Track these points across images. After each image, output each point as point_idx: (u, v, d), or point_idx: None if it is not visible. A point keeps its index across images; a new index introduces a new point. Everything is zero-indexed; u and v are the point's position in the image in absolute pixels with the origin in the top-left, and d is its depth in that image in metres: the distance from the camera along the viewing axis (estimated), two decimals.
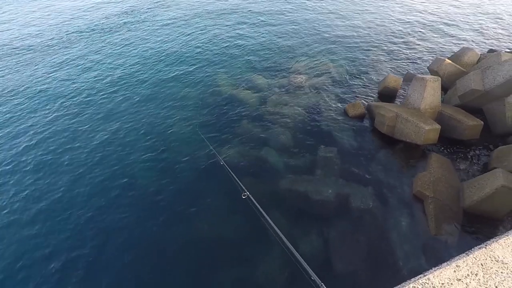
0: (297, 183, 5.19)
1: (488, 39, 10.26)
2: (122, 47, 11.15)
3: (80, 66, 9.93)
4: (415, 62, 8.94)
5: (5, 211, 5.22)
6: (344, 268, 3.98)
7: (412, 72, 8.37)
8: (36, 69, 9.92)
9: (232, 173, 4.40)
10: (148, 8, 15.34)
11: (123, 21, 13.78)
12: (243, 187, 3.79)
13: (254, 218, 4.19)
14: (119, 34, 12.32)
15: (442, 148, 5.83)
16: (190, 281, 3.99)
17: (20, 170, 6.05)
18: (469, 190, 4.61)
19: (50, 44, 11.72)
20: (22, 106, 8.04)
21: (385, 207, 4.76)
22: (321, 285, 2.12)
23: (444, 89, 6.98)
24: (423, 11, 13.09)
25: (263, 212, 3.21)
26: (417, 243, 4.23)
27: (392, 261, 4.05)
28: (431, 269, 2.04)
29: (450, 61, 7.28)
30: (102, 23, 13.66)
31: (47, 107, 7.93)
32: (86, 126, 7.08)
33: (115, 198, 5.26)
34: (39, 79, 9.29)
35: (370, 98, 7.52)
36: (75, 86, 8.79)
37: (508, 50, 8.34)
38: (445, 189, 4.82)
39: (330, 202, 4.87)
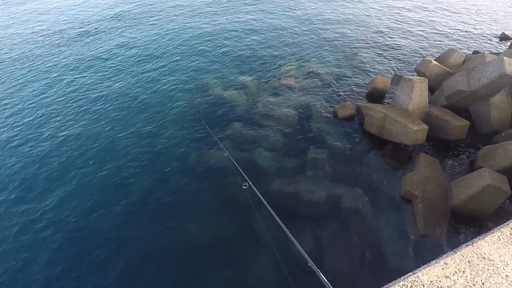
0: (288, 184, 5.20)
1: (472, 41, 10.50)
2: (107, 54, 11.02)
3: (69, 70, 9.77)
4: (403, 64, 9.09)
5: None
6: (335, 267, 3.99)
7: (399, 73, 8.50)
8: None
9: (234, 162, 4.43)
10: (135, 14, 15.23)
11: (106, 26, 13.63)
12: (245, 177, 3.79)
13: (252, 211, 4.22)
14: (98, 40, 12.18)
15: (430, 148, 5.92)
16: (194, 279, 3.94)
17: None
18: (457, 189, 4.69)
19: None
20: None
21: (375, 207, 4.80)
22: (318, 271, 2.17)
23: (431, 90, 7.10)
24: (409, 14, 13.33)
25: (264, 201, 3.24)
26: (406, 242, 4.28)
27: (382, 260, 4.08)
28: (420, 267, 2.06)
29: (436, 63, 7.41)
30: (81, 28, 13.50)
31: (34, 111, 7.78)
32: (77, 131, 6.96)
33: (110, 197, 5.18)
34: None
35: (359, 99, 7.59)
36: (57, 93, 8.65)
37: (492, 52, 8.54)
38: (433, 188, 4.89)
39: (321, 203, 4.89)
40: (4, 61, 10.64)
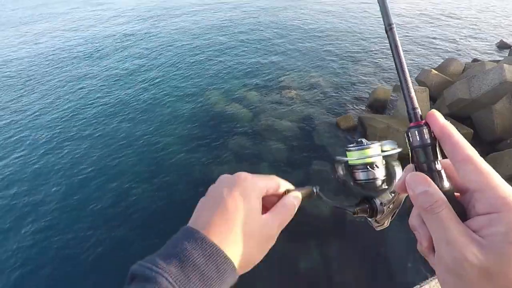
0: (302, 201, 5.16)
1: (470, 50, 10.59)
2: (108, 69, 11.25)
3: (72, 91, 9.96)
4: None
5: None
6: (342, 282, 3.93)
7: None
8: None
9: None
10: (133, 31, 15.59)
11: (106, 46, 13.95)
12: None
13: None
14: (101, 57, 12.44)
15: None
16: None
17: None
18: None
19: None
20: None
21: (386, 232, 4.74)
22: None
23: (433, 99, 7.12)
24: (406, 25, 13.52)
25: None
26: (415, 257, 4.21)
27: (390, 273, 4.01)
28: (428, 279, 2.04)
29: (436, 72, 7.47)
30: (82, 47, 13.81)
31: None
32: (76, 150, 7.04)
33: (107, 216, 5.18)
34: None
35: (361, 110, 7.63)
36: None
37: (491, 60, 8.60)
38: None
39: (326, 216, 4.85)
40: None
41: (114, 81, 10.26)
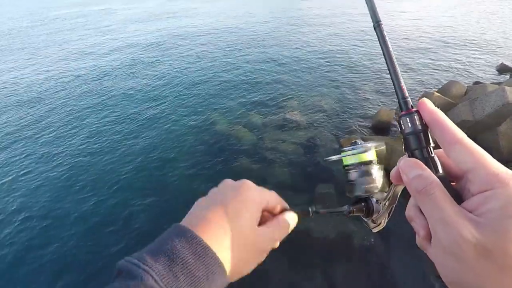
0: (298, 221, 5.08)
1: (472, 73, 10.70)
2: (113, 90, 11.49)
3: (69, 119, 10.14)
4: None
5: None
6: None
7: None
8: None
9: None
10: (135, 55, 16.04)
11: (109, 75, 14.32)
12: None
13: None
14: (101, 81, 12.74)
15: None
16: None
17: None
18: None
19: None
20: None
21: (387, 244, 4.64)
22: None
23: None
24: (407, 47, 13.78)
25: None
26: (422, 284, 4.07)
27: None
28: None
29: (439, 94, 7.52)
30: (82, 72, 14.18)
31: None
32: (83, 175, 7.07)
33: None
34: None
35: (364, 131, 7.64)
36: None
37: (493, 82, 8.66)
38: None
39: (331, 239, 4.75)
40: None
41: (118, 101, 10.45)
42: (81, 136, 8.52)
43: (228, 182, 0.57)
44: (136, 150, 7.61)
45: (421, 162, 0.41)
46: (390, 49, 0.48)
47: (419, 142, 0.43)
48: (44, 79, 13.46)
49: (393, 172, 0.46)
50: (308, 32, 17.61)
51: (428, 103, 0.43)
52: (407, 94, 0.46)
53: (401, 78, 0.47)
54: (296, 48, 15.02)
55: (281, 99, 9.65)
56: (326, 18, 20.84)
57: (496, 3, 21.24)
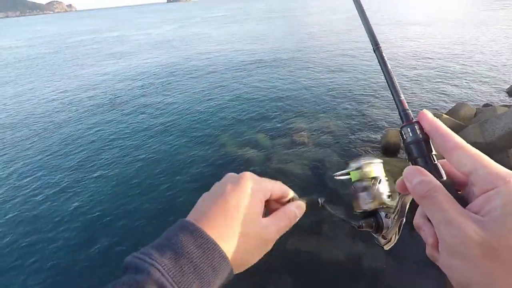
0: (306, 242, 5.01)
1: (481, 95, 10.68)
2: (123, 115, 11.76)
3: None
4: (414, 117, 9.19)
5: None
6: None
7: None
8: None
9: None
10: (145, 84, 16.50)
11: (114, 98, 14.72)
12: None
13: None
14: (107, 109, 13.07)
15: None
16: None
17: None
18: None
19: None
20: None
21: (398, 267, 4.49)
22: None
23: None
24: (415, 70, 13.89)
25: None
26: None
27: None
28: None
29: (448, 116, 7.50)
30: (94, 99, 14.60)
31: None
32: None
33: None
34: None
35: (373, 152, 7.60)
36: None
37: (502, 104, 8.62)
38: None
39: (341, 262, 4.63)
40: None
41: (130, 121, 10.68)
42: (96, 162, 8.68)
43: (229, 175, 0.57)
44: (142, 172, 7.69)
45: (423, 169, 0.41)
46: (389, 68, 0.51)
47: (420, 150, 0.44)
48: (59, 102, 13.92)
49: (398, 182, 0.46)
50: (315, 55, 17.98)
51: (427, 113, 0.45)
52: (407, 107, 0.48)
53: (400, 91, 0.49)
54: (304, 69, 15.29)
55: (288, 122, 9.74)
56: (332, 44, 21.33)
57: (506, 24, 21.48)
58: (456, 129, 7.17)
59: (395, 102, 0.49)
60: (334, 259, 4.68)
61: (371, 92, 11.60)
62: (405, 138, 0.46)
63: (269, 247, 0.54)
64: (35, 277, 4.96)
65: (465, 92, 11.00)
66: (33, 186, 7.52)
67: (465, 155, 0.39)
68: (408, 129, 0.46)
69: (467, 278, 0.34)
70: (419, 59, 15.63)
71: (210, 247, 0.43)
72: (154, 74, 17.21)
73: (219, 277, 0.43)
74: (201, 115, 10.91)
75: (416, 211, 0.46)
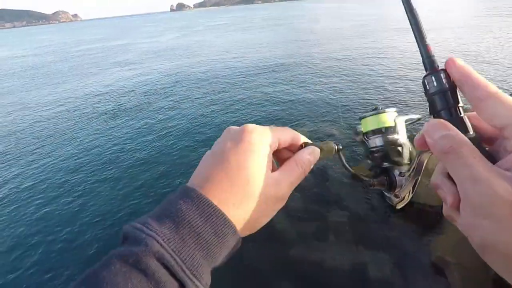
0: (310, 251, 4.96)
1: None
2: (126, 121, 11.83)
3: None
4: (416, 126, 9.16)
5: None
6: None
7: (413, 134, 8.53)
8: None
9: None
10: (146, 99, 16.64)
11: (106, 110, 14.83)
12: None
13: None
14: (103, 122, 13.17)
15: None
16: None
17: None
18: None
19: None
20: None
21: (404, 275, 4.43)
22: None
23: None
24: (413, 75, 13.88)
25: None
26: None
27: None
28: None
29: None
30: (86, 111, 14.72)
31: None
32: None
33: None
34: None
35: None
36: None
37: None
38: (468, 253, 4.51)
39: (346, 271, 4.57)
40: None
41: (135, 128, 10.75)
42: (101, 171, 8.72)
43: (228, 130, 0.52)
44: (149, 171, 7.70)
45: (448, 123, 0.37)
46: (413, 6, 0.45)
47: (445, 102, 0.39)
48: (65, 109, 14.06)
49: (417, 137, 0.42)
50: (318, 61, 18.06)
51: (457, 59, 0.40)
52: (432, 53, 0.42)
53: (425, 34, 0.43)
54: (307, 75, 15.35)
55: (293, 124, 9.70)
56: (336, 51, 21.42)
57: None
58: None
59: (419, 47, 0.43)
60: (338, 267, 4.62)
61: (372, 103, 11.59)
62: (428, 88, 0.42)
63: (282, 204, 0.50)
64: (35, 278, 4.95)
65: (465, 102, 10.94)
66: (39, 189, 7.57)
67: (500, 105, 0.35)
68: (433, 77, 0.41)
69: (494, 239, 0.32)
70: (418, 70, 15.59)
71: (213, 214, 0.39)
72: (158, 81, 17.37)
73: (225, 246, 0.40)
74: (204, 119, 10.96)
75: (435, 169, 0.43)
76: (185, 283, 0.35)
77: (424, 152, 0.47)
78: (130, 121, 11.78)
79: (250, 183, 0.43)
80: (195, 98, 13.75)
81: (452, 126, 0.37)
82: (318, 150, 0.54)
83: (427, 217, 5.53)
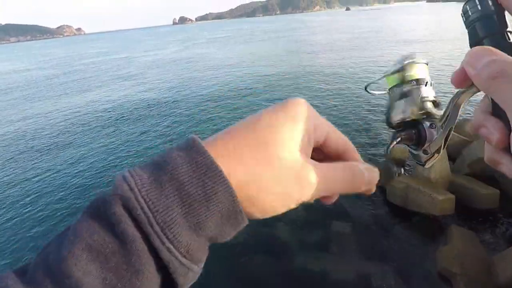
0: (313, 261, 4.91)
1: None
2: (129, 130, 11.90)
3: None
4: None
5: None
6: None
7: None
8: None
9: None
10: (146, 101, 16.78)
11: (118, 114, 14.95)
12: None
13: None
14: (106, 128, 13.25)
15: (461, 219, 5.58)
16: None
17: None
18: (502, 265, 4.25)
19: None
20: None
21: (409, 287, 4.37)
22: None
23: (452, 158, 7.01)
24: None
25: None
26: None
27: None
28: None
29: (453, 132, 7.46)
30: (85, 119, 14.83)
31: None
32: None
33: None
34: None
35: (378, 169, 7.53)
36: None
37: None
38: (473, 264, 4.45)
39: (349, 282, 4.52)
40: None
41: (136, 141, 10.80)
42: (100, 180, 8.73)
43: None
44: None
45: (494, 49, 0.31)
46: None
47: (491, 27, 0.34)
48: (68, 121, 14.18)
49: (455, 73, 0.35)
50: (319, 71, 18.22)
51: None
52: None
53: None
54: (308, 83, 15.47)
55: None
56: (337, 60, 21.64)
57: None
58: (463, 145, 7.12)
59: None
60: (341, 278, 4.57)
61: (373, 109, 11.63)
62: (470, 15, 0.36)
63: (304, 197, 0.36)
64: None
65: (467, 108, 10.99)
66: (43, 200, 7.57)
67: None
68: (476, 1, 0.35)
69: None
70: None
71: (205, 165, 0.30)
72: (160, 94, 17.53)
73: (215, 209, 0.29)
74: (206, 131, 11.00)
75: (474, 111, 0.37)
76: (152, 240, 0.27)
77: (462, 92, 0.40)
78: (132, 131, 11.85)
79: (274, 149, 0.33)
80: (197, 109, 13.84)
81: (500, 52, 0.31)
82: (378, 173, 0.43)
83: (431, 227, 5.49)
